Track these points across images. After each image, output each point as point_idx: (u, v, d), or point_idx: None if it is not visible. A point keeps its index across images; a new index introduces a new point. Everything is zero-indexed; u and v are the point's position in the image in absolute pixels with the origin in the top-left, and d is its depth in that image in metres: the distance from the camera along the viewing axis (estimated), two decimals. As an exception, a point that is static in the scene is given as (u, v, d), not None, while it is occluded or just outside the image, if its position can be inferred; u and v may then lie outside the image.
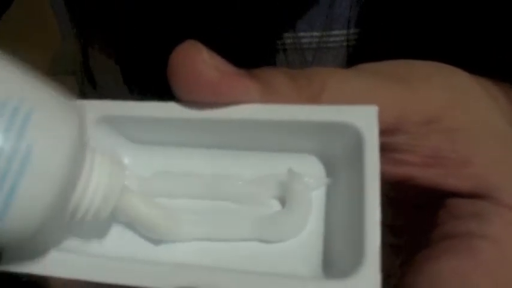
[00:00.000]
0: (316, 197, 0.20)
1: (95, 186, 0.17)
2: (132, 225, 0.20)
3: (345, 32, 0.33)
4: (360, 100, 0.18)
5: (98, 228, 0.20)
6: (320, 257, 0.19)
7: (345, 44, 0.33)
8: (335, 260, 0.18)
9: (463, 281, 0.19)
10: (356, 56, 0.33)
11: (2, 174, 0.15)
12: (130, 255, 0.19)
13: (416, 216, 0.22)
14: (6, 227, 0.15)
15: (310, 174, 0.20)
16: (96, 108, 0.19)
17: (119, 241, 0.20)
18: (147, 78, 0.37)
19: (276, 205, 0.20)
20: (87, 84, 0.46)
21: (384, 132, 0.20)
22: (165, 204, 0.20)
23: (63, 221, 0.17)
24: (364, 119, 0.18)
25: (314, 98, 0.19)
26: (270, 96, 0.19)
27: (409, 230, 0.23)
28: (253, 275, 0.17)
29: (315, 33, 0.34)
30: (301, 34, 0.34)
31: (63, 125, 0.16)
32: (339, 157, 0.19)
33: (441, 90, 0.21)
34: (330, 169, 0.20)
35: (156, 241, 0.20)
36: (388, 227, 0.25)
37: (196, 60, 0.18)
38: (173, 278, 0.17)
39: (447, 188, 0.21)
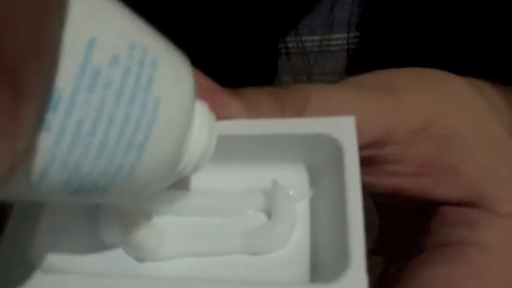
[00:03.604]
0: (301, 207, 0.20)
1: (198, 136, 0.16)
2: (119, 243, 0.20)
3: (345, 35, 0.33)
4: (345, 114, 0.18)
5: (84, 246, 0.20)
6: (307, 265, 0.19)
7: (346, 47, 0.33)
8: (322, 266, 0.18)
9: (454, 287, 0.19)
10: (357, 59, 0.33)
11: (132, 132, 0.13)
12: (117, 273, 0.19)
13: (409, 225, 0.22)
14: (137, 176, 0.14)
15: (295, 185, 0.20)
16: None
17: (106, 259, 0.20)
18: None
19: (261, 217, 0.20)
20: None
21: (373, 144, 0.20)
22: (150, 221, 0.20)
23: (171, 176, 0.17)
24: (342, 129, 0.18)
25: (298, 113, 0.19)
26: (253, 112, 0.19)
27: (403, 238, 0.22)
28: (240, 284, 0.17)
29: (316, 37, 0.33)
30: (303, 38, 0.34)
31: (184, 74, 0.15)
32: (322, 167, 0.19)
33: (429, 97, 0.20)
34: (314, 179, 0.20)
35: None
36: (382, 235, 0.25)
37: None
38: None
39: (438, 197, 0.20)
